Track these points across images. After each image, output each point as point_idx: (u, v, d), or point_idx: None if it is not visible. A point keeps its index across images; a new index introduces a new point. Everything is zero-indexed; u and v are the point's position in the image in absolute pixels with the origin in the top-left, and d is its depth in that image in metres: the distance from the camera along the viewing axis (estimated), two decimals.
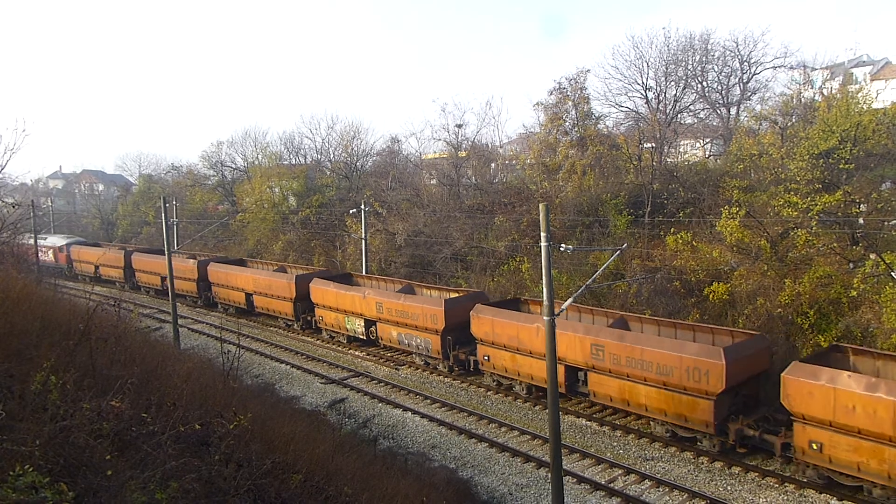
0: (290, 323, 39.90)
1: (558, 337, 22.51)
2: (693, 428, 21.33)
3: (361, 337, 34.67)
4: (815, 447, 18.39)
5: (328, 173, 62.27)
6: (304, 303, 38.18)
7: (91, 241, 68.98)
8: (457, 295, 31.58)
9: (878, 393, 16.86)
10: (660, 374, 21.65)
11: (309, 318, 38.44)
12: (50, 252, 62.06)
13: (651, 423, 23.09)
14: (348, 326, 35.23)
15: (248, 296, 42.38)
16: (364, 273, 39.86)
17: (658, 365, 21.68)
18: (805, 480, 18.89)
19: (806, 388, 18.34)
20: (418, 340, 30.86)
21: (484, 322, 27.49)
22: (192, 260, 48.31)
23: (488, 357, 27.75)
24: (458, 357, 29.54)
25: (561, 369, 24.11)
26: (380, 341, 33.52)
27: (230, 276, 43.73)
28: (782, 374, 19.12)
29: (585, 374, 24.52)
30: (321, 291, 36.21)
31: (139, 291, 53.53)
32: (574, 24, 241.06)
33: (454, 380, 29.82)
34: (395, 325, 31.93)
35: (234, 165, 70.50)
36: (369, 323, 33.94)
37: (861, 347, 20.96)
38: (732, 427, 20.49)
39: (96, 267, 57.15)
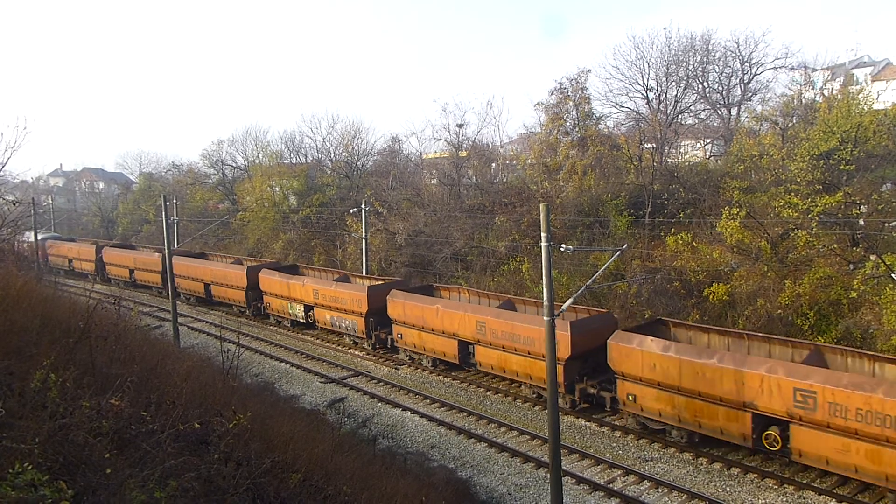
0: (242, 310, 43.15)
1: (451, 316, 29.12)
2: (541, 388, 25.86)
3: (301, 320, 38.32)
4: (630, 398, 22.67)
5: (329, 172, 62.31)
6: (254, 291, 41.53)
7: (66, 236, 70.48)
8: (378, 283, 35.24)
9: (670, 353, 21.41)
10: (525, 345, 25.67)
11: (259, 305, 41.69)
12: (24, 246, 63.16)
13: (521, 386, 27.10)
14: (290, 311, 38.89)
15: (207, 286, 45.69)
16: (364, 273, 39.97)
17: (524, 337, 25.66)
18: (805, 483, 18.88)
19: (623, 351, 22.49)
20: (347, 322, 34.83)
21: (397, 305, 31.28)
22: (157, 253, 50.60)
23: (401, 335, 31.72)
24: (380, 336, 33.45)
25: (454, 343, 29.01)
26: (317, 324, 37.42)
27: (191, 268, 46.72)
28: (608, 340, 23.04)
29: (473, 347, 28.40)
30: (268, 280, 39.94)
31: (109, 283, 55.29)
32: (574, 24, 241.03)
33: (377, 357, 33.57)
34: (328, 309, 35.77)
35: (234, 164, 70.55)
36: (308, 308, 37.70)
37: (680, 321, 25.63)
38: (578, 387, 24.74)
39: (70, 260, 59.66)
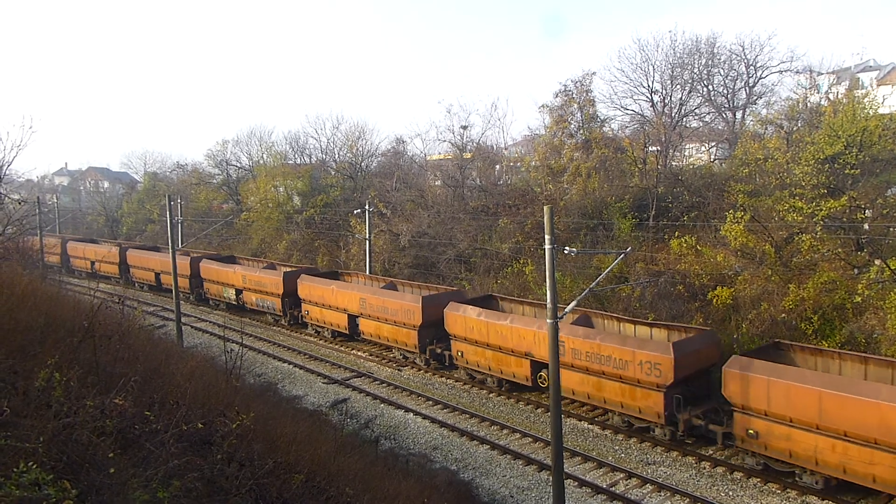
0: (188, 295, 47.31)
1: (341, 295, 35.21)
2: (407, 350, 32.04)
3: (234, 302, 44.35)
4: (460, 354, 29.00)
5: (333, 173, 62.29)
6: (196, 279, 47.17)
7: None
8: (292, 269, 41.46)
9: (481, 318, 27.51)
10: (393, 316, 31.74)
11: (201, 291, 47.20)
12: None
13: (392, 350, 33.22)
14: (225, 295, 44.93)
15: (157, 275, 51.57)
16: (368, 272, 40.13)
17: (391, 310, 31.75)
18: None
19: (453, 317, 28.82)
20: (268, 303, 41.27)
21: (304, 287, 37.80)
22: (116, 247, 57.94)
23: (308, 312, 38.13)
24: (293, 314, 39.74)
25: (344, 317, 35.46)
26: (245, 305, 43.24)
27: (143, 259, 53.47)
28: (444, 310, 29.12)
29: (357, 320, 34.63)
30: (207, 269, 46.15)
31: (73, 275, 57.99)
32: (579, 26, 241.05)
33: (290, 330, 39.84)
34: (254, 292, 42.13)
35: (239, 164, 70.55)
36: (238, 291, 43.62)
37: (506, 296, 31.72)
38: (429, 348, 30.65)
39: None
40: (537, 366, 25.99)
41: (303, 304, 38.31)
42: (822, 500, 18.39)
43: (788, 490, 18.99)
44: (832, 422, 17.70)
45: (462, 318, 28.51)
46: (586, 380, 23.89)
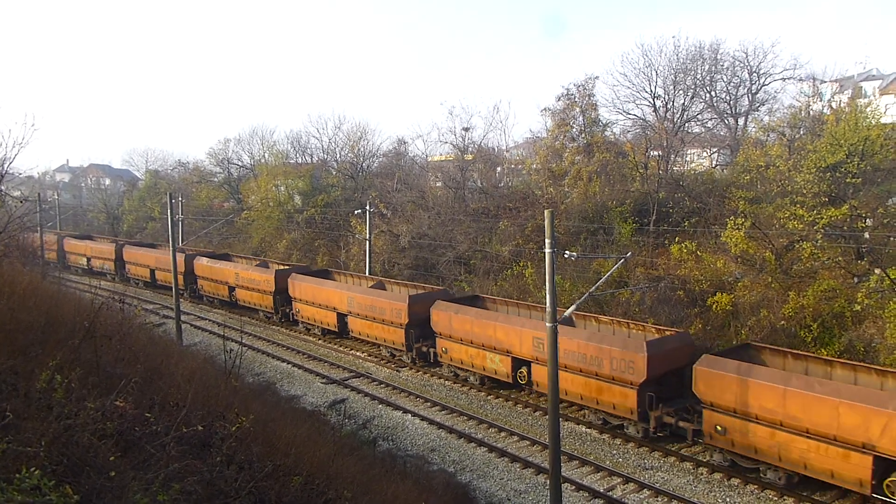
0: (181, 291, 46.07)
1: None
2: (395, 348, 32.91)
3: (227, 299, 45.23)
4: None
5: (334, 173, 62.35)
6: (190, 276, 48.05)
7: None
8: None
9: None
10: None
11: (195, 287, 48.19)
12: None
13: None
14: (218, 292, 45.83)
15: (152, 271, 53.20)
16: (368, 273, 40.17)
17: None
18: (805, 495, 18.83)
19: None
20: (257, 299, 42.32)
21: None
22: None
23: (299, 310, 39.12)
24: (285, 311, 40.48)
25: (334, 315, 36.34)
26: (238, 302, 43.96)
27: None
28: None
29: (346, 318, 35.55)
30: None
31: (70, 271, 59.59)
32: (581, 28, 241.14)
33: (286, 329, 40.51)
34: (247, 289, 42.99)
35: (240, 163, 70.64)
36: (231, 288, 44.53)
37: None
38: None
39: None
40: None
41: (294, 302, 39.29)
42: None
43: (785, 497, 19.01)
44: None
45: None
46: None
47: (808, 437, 18.27)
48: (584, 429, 24.52)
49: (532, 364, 26.15)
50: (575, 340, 24.27)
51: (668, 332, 24.43)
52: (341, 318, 35.96)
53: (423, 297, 31.89)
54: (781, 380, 19.01)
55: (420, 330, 31.49)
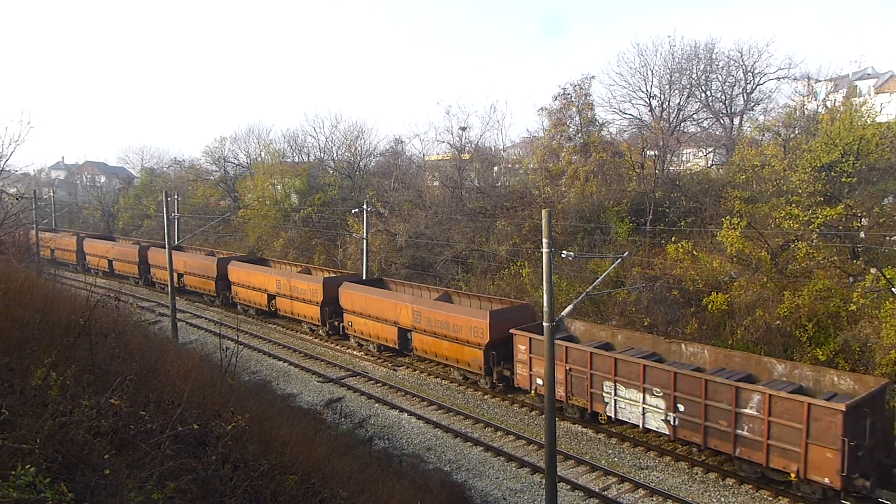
0: (213, 299, 47.68)
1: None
2: (312, 322, 37.87)
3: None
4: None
5: (331, 172, 62.30)
6: (223, 282, 46.95)
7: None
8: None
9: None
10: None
11: (227, 294, 47.19)
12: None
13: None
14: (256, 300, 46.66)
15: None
16: (365, 272, 40.07)
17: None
18: (800, 495, 18.90)
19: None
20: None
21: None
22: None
23: (237, 293, 43.55)
24: (225, 295, 44.80)
25: (265, 296, 41.10)
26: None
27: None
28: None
29: (275, 298, 40.16)
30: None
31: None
32: (576, 26, 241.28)
33: (224, 309, 44.21)
34: (190, 275, 47.89)
35: (236, 161, 70.55)
36: (271, 297, 44.71)
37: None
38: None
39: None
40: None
41: (233, 287, 43.44)
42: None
43: (780, 497, 19.05)
44: (373, 312, 33.06)
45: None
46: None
47: (377, 321, 32.46)
48: (579, 428, 24.54)
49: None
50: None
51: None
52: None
53: (335, 280, 37.07)
54: (365, 292, 33.62)
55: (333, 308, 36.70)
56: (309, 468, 11.25)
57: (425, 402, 27.36)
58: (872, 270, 25.22)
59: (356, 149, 62.48)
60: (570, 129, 42.18)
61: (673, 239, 32.29)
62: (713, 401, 19.87)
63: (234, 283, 43.66)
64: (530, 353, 25.46)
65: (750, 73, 47.15)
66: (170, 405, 9.53)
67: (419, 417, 25.72)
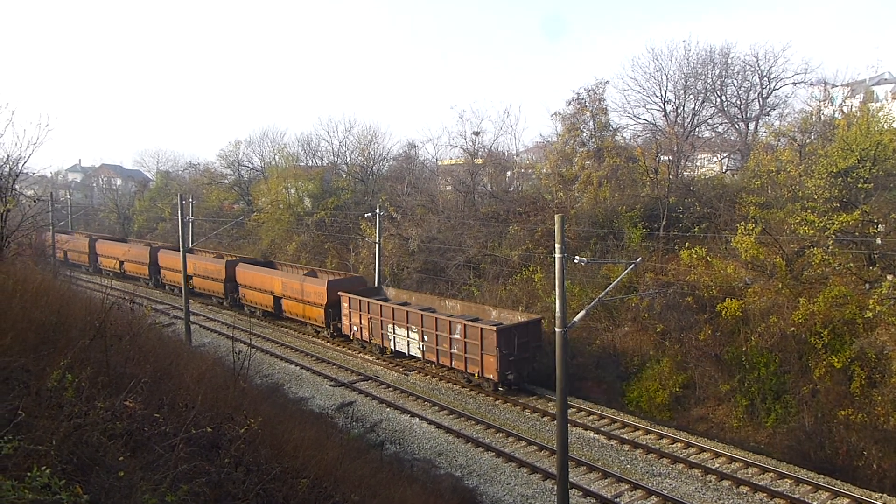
0: (221, 300, 49.14)
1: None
2: (317, 324, 39.66)
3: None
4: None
5: (344, 176, 62.48)
6: (231, 283, 47.75)
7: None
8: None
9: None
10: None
11: (235, 296, 48.68)
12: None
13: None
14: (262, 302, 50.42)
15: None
16: (377, 277, 40.21)
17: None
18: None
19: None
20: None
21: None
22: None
23: (244, 295, 45.73)
24: (233, 297, 46.67)
25: (270, 298, 42.65)
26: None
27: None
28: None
29: (281, 300, 41.81)
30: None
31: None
32: (594, 34, 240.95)
33: (236, 312, 48.15)
34: (170, 271, 51.58)
35: (250, 165, 70.89)
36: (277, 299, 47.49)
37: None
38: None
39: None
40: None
41: (162, 272, 52.10)
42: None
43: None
44: (258, 285, 43.59)
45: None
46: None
47: (260, 291, 42.39)
48: (592, 435, 24.45)
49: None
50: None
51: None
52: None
53: (233, 263, 46.53)
54: (253, 270, 44.66)
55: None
56: (321, 472, 11.26)
57: (436, 407, 27.36)
58: (889, 277, 24.96)
59: (369, 153, 62.63)
60: (584, 134, 42.04)
61: (687, 245, 32.05)
62: (440, 331, 29.76)
63: (242, 285, 44.88)
64: (349, 309, 35.60)
65: (766, 78, 46.80)
66: (183, 408, 9.59)
67: (430, 422, 25.72)
